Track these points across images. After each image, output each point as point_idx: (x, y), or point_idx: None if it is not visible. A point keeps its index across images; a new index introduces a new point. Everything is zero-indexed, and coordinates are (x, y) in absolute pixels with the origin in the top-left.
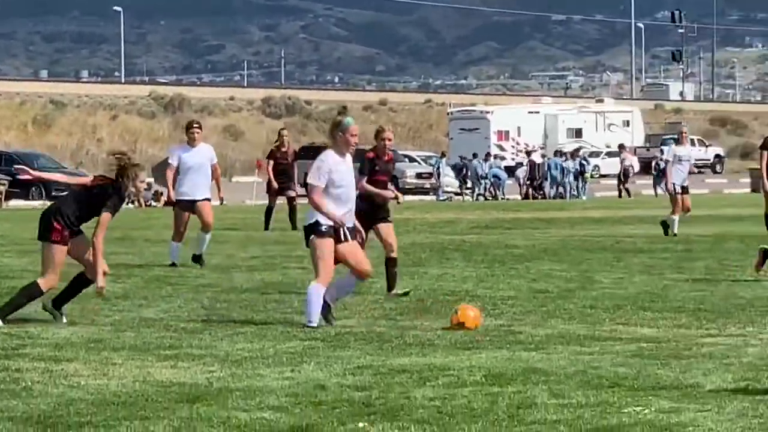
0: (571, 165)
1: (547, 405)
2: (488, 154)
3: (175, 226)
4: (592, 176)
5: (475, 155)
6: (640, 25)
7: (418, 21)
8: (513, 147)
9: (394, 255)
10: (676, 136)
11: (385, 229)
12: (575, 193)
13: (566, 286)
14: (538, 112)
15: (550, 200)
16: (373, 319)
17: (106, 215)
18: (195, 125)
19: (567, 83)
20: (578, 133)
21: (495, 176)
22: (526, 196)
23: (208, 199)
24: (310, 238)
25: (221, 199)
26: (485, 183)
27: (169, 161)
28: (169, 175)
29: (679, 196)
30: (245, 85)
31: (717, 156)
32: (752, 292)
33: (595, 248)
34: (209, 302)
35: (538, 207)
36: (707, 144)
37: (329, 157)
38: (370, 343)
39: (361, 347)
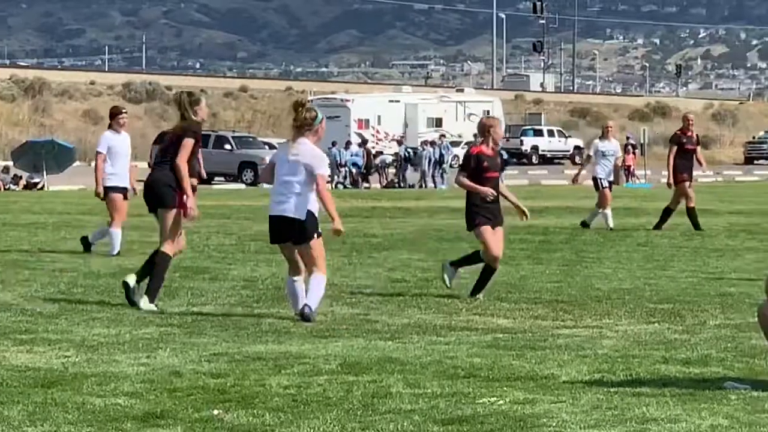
0: (430, 153)
1: (402, 394)
2: (348, 143)
3: (112, 211)
4: (451, 166)
5: (334, 143)
6: (502, 15)
7: (279, 8)
8: (373, 135)
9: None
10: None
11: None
12: (433, 183)
13: (423, 275)
14: (398, 101)
15: (411, 189)
16: (230, 306)
17: None
18: (123, 111)
19: (428, 72)
20: (438, 122)
21: (354, 164)
22: (389, 185)
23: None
24: (315, 235)
25: (134, 190)
26: (344, 171)
27: (98, 149)
28: (100, 164)
29: (606, 191)
30: (106, 69)
31: (576, 147)
32: (608, 284)
33: (452, 238)
34: (66, 287)
35: (398, 196)
36: (567, 135)
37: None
38: (225, 330)
39: (216, 334)
